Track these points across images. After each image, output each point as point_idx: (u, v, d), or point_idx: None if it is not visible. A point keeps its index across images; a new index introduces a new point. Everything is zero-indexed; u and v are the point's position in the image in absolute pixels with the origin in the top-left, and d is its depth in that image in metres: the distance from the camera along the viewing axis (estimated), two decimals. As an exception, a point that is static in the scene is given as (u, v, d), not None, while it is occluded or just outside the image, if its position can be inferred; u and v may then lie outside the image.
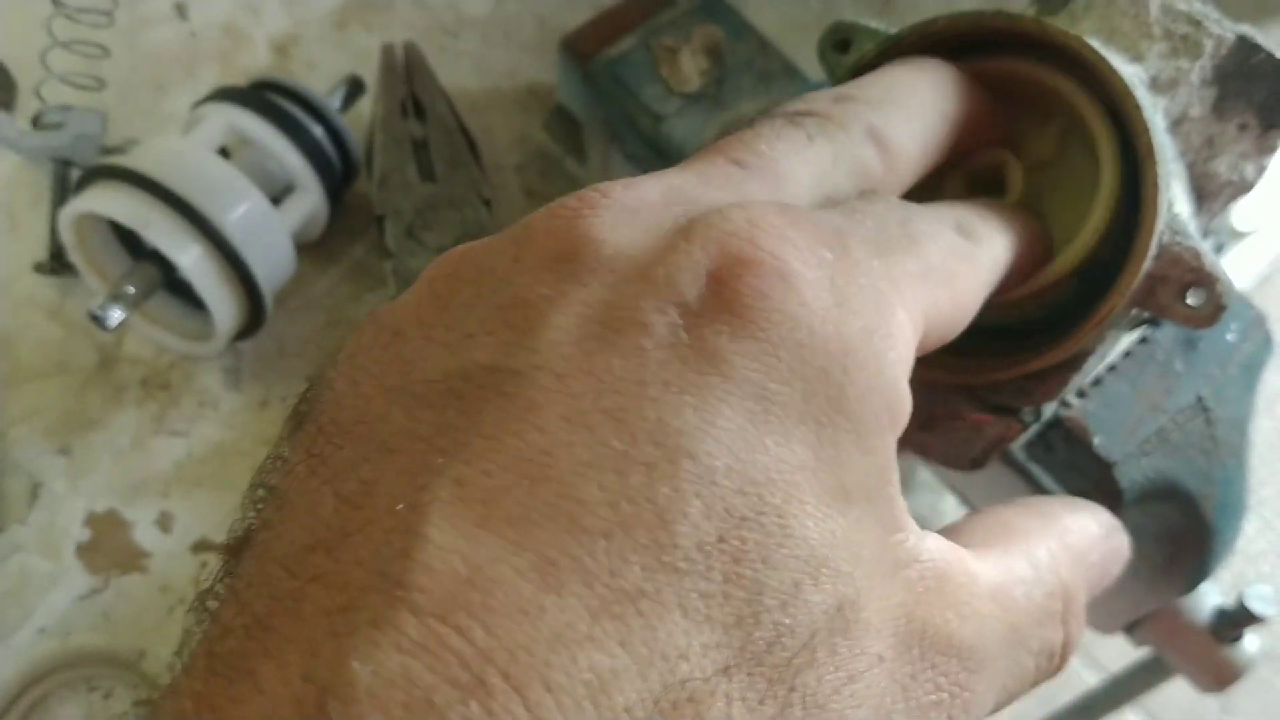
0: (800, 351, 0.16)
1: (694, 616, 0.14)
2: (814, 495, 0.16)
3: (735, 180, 0.19)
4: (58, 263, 0.46)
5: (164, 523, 0.43)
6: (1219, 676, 0.40)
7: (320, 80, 0.50)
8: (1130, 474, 0.34)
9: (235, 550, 0.15)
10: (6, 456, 0.42)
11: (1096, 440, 0.33)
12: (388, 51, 0.49)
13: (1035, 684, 0.20)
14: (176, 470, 0.44)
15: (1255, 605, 0.39)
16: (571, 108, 0.49)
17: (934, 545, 0.18)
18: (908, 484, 0.80)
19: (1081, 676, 0.53)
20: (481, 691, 0.12)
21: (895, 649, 0.16)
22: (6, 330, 0.45)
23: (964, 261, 0.20)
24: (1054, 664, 0.20)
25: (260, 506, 0.16)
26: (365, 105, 0.49)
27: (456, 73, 0.51)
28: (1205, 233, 0.33)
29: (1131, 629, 0.41)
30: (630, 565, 0.14)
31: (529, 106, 0.52)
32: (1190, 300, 0.28)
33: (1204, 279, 0.28)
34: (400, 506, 0.14)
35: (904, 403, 0.17)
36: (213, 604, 0.15)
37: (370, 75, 0.49)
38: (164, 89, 0.51)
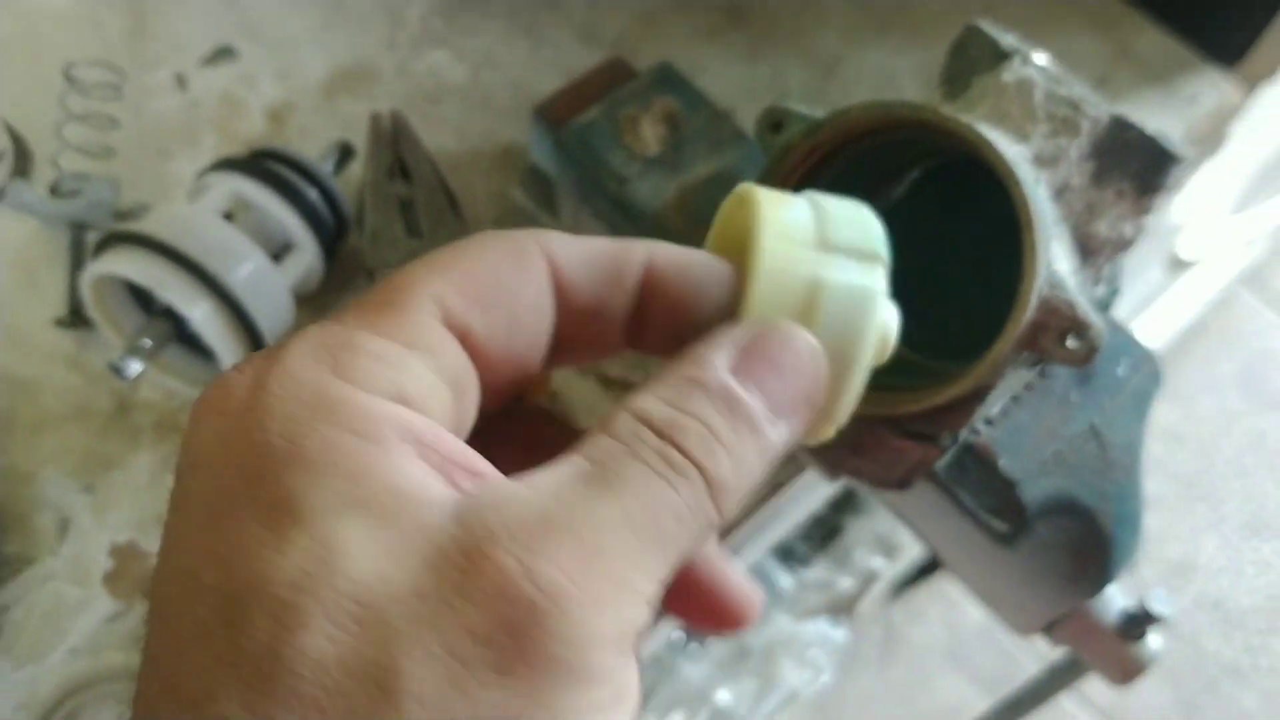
0: None
1: None
2: None
3: None
4: (76, 317, 0.51)
5: (177, 553, 0.47)
6: (1125, 671, 0.45)
7: (313, 145, 0.55)
8: (1032, 491, 0.38)
9: None
10: (38, 494, 0.46)
11: (1001, 462, 0.38)
12: (376, 120, 0.54)
13: (697, 510, 0.21)
14: (188, 505, 0.48)
15: (1155, 606, 0.44)
16: (544, 168, 0.54)
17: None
18: (866, 507, 0.85)
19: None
20: None
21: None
22: (32, 379, 0.49)
23: None
24: (703, 492, 0.21)
25: None
26: (356, 168, 0.54)
27: (438, 136, 0.56)
28: (1096, 281, 0.38)
29: (1049, 630, 0.46)
30: None
31: (505, 166, 0.57)
32: (1069, 344, 0.33)
33: (1079, 326, 0.33)
34: None
35: None
36: None
37: (360, 140, 0.54)
38: (169, 155, 0.56)
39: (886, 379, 0.36)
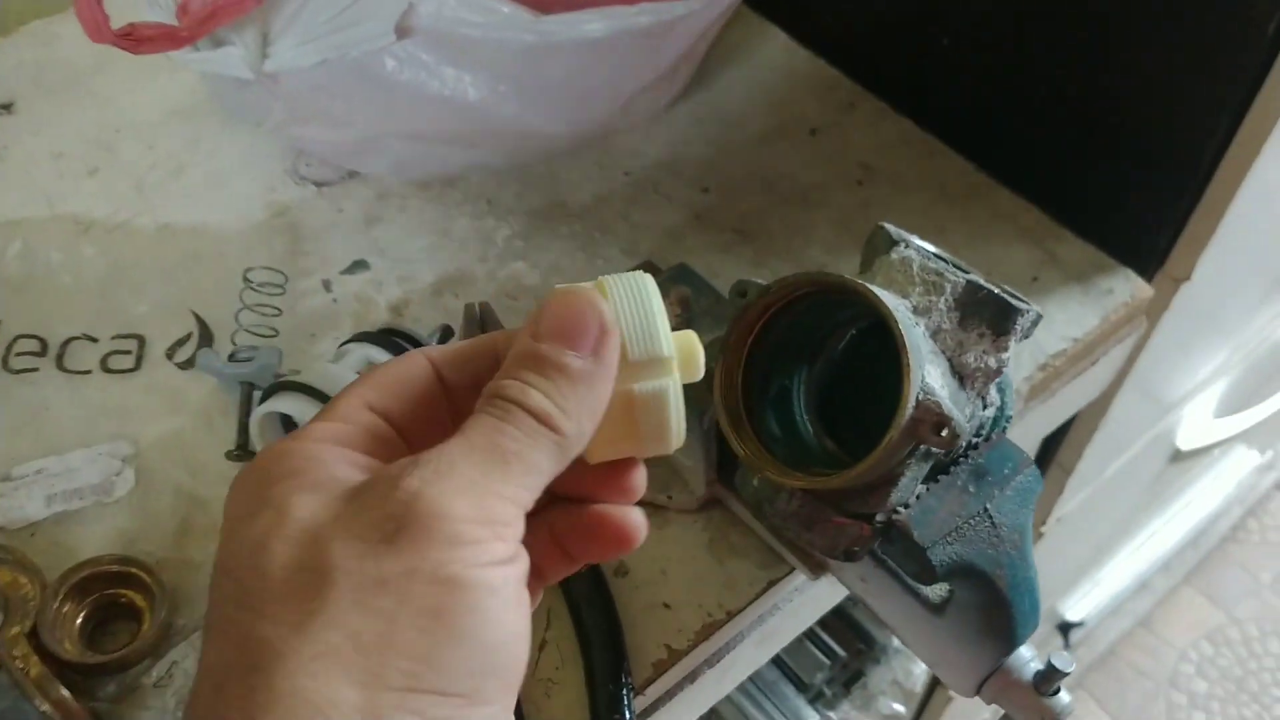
0: None
1: None
2: None
3: None
4: (243, 451, 0.68)
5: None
6: (1044, 721, 0.56)
7: (424, 328, 0.73)
8: (939, 555, 0.52)
9: None
10: (205, 581, 0.62)
11: (915, 534, 0.52)
12: (469, 308, 0.71)
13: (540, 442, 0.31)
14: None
15: (1060, 664, 0.55)
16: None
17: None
18: (886, 655, 0.97)
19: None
20: None
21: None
22: (206, 498, 0.66)
23: None
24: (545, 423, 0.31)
25: None
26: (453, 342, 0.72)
27: (515, 322, 0.74)
28: (985, 404, 0.53)
29: (981, 690, 0.57)
30: None
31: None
32: (941, 434, 0.48)
33: (945, 420, 0.48)
34: None
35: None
36: None
37: (457, 324, 0.72)
38: (316, 337, 0.74)
39: (825, 470, 0.51)
